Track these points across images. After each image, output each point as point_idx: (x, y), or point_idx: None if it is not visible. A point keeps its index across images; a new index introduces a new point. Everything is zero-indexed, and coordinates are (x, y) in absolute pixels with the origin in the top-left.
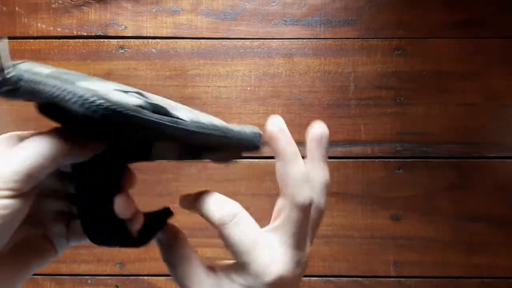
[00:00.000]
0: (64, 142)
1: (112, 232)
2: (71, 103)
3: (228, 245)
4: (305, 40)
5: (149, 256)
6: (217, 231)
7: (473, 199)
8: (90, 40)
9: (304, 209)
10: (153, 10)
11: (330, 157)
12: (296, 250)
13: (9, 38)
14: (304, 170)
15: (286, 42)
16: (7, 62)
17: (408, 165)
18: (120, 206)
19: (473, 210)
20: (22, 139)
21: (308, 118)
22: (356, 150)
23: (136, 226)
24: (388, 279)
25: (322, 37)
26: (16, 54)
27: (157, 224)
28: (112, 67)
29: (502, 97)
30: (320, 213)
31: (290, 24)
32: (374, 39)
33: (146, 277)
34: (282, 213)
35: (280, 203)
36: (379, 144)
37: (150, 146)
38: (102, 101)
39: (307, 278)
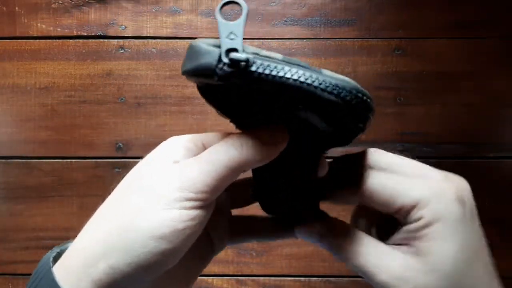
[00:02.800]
0: (252, 147)
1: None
2: (322, 89)
3: (380, 198)
4: (305, 40)
5: None
6: (361, 200)
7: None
8: (90, 40)
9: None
10: (153, 10)
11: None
12: None
13: (9, 38)
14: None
15: (286, 42)
16: (240, 44)
17: None
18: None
19: None
20: (201, 143)
21: None
22: (356, 150)
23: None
24: None
25: (322, 37)
26: (16, 54)
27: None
28: (112, 67)
29: (502, 97)
30: None
31: (290, 24)
32: (374, 39)
33: None
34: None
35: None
36: (379, 144)
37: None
38: (359, 93)
39: (307, 278)
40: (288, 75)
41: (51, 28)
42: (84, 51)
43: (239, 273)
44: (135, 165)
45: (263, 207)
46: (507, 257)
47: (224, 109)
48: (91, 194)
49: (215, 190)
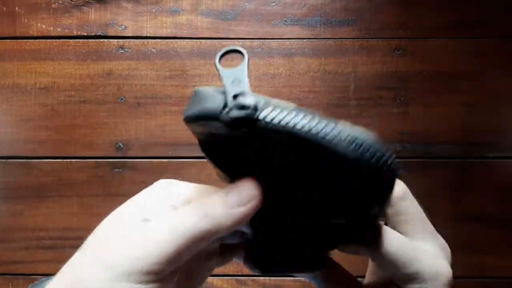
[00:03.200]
0: (225, 211)
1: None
2: (339, 142)
3: (391, 262)
4: (305, 40)
5: None
6: (372, 256)
7: (473, 199)
8: (90, 40)
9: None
10: (153, 10)
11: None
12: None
13: (9, 38)
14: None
15: (286, 42)
16: (247, 89)
17: (408, 165)
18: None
19: (473, 210)
20: (178, 199)
21: None
22: None
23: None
24: None
25: (322, 37)
26: (16, 54)
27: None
28: (112, 67)
29: (502, 97)
30: None
31: (290, 24)
32: (374, 39)
33: None
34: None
35: None
36: None
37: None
38: (386, 154)
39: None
40: (299, 125)
41: (51, 28)
42: (84, 51)
43: (239, 273)
44: (135, 165)
45: (258, 266)
46: (508, 257)
47: (225, 164)
48: (91, 194)
49: (173, 261)
